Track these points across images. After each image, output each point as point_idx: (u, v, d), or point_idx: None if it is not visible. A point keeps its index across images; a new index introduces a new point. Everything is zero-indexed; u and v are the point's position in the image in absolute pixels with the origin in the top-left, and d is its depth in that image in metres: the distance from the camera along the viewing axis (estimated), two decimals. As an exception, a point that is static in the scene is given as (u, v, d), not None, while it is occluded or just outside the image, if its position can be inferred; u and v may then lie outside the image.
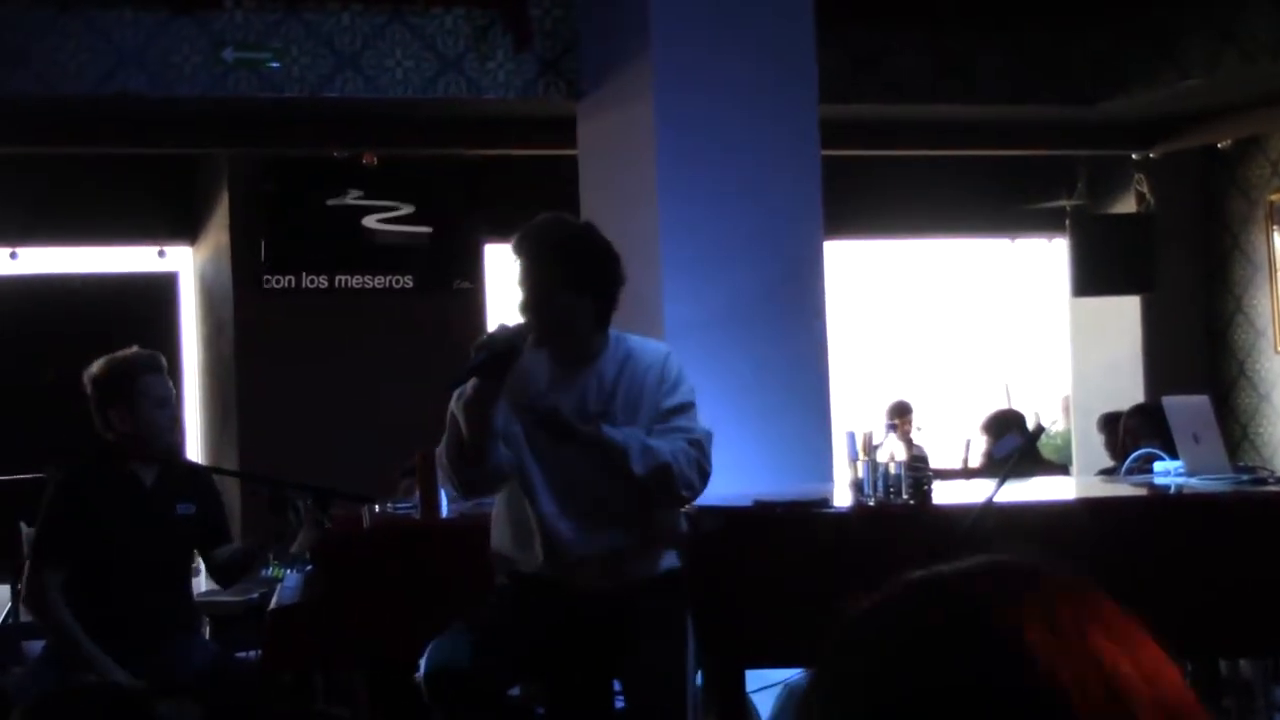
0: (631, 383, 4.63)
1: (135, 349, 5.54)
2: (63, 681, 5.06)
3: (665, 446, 4.52)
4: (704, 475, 4.58)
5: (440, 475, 4.76)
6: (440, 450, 4.55)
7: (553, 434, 4.52)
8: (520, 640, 4.64)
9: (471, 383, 4.39)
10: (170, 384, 5.53)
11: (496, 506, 4.82)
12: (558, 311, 4.56)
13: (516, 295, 4.59)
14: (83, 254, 10.43)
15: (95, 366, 5.47)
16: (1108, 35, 9.34)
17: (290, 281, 10.09)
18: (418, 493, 5.64)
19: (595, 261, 4.62)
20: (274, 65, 7.79)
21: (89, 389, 5.46)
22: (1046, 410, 12.02)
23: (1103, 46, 9.37)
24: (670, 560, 4.74)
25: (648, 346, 4.75)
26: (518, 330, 4.46)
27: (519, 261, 4.59)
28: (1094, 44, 9.37)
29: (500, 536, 4.77)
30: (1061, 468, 10.72)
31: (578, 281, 4.57)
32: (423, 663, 4.52)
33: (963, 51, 9.14)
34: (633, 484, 4.51)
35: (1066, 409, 11.83)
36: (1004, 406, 11.33)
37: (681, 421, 4.60)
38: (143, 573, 5.39)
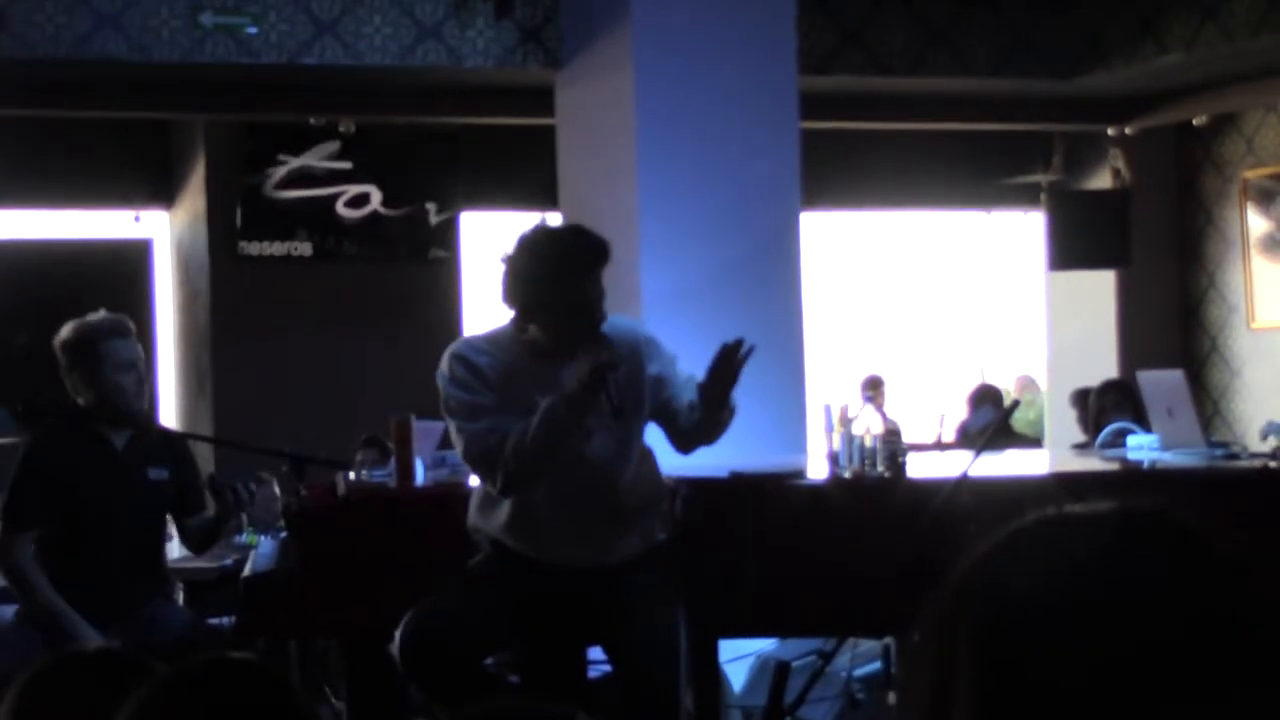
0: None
1: (103, 313, 5.52)
2: (48, 645, 5.06)
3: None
4: None
5: (475, 468, 4.69)
6: (511, 449, 4.48)
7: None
8: (498, 611, 4.64)
9: (578, 391, 4.44)
10: (138, 348, 5.51)
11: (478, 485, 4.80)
12: None
13: (586, 303, 4.56)
14: (58, 218, 10.38)
15: (63, 331, 5.46)
16: (1089, 10, 9.34)
17: (266, 249, 10.06)
18: (393, 460, 5.62)
19: None
20: (252, 31, 7.75)
21: (58, 354, 5.45)
22: (1009, 383, 12.05)
23: (1083, 21, 9.38)
24: (654, 538, 4.75)
25: (618, 326, 4.73)
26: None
27: (599, 270, 4.59)
28: (1075, 18, 9.37)
29: (476, 511, 4.77)
30: (1035, 442, 10.77)
31: None
32: (398, 633, 4.52)
33: (944, 25, 9.14)
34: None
35: (1024, 386, 11.84)
36: (983, 381, 11.38)
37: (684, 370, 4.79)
38: (115, 537, 5.39)
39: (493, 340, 4.66)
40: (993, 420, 8.95)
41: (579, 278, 4.54)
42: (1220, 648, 1.11)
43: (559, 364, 4.55)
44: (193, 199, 10.22)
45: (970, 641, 1.14)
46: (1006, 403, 10.33)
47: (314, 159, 10.08)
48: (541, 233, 4.66)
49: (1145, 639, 1.10)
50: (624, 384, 4.50)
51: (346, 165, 10.13)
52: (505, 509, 4.66)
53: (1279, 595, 1.15)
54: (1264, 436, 6.16)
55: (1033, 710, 1.11)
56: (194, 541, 5.75)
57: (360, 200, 10.20)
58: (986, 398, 10.34)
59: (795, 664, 5.67)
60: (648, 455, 4.77)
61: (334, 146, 9.97)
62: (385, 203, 10.25)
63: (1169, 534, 1.18)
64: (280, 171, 10.03)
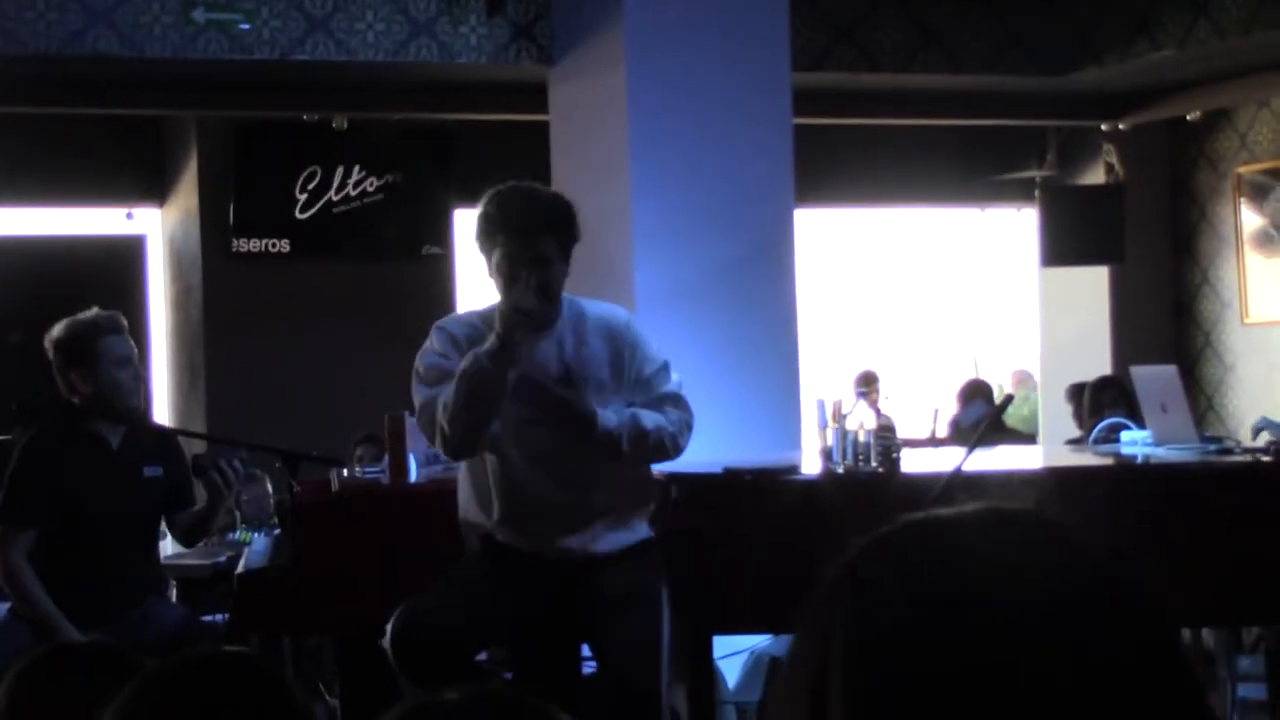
0: (592, 347, 4.64)
1: (95, 310, 5.51)
2: (39, 640, 5.06)
3: (653, 420, 4.61)
4: (690, 429, 4.69)
5: (424, 432, 4.74)
6: (441, 407, 4.53)
7: (555, 419, 4.55)
8: (490, 606, 4.65)
9: (496, 345, 4.42)
10: (132, 344, 5.51)
11: (461, 474, 4.82)
12: (559, 282, 4.59)
13: (513, 264, 4.53)
14: (50, 215, 10.37)
15: (56, 329, 5.45)
16: (1082, 6, 9.34)
17: (259, 245, 10.04)
18: (386, 457, 5.62)
19: (577, 231, 4.65)
20: (244, 27, 7.74)
21: (50, 352, 5.44)
22: (1005, 378, 12.05)
23: (1077, 17, 9.38)
24: (643, 530, 4.76)
25: (603, 310, 4.76)
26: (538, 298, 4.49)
27: (535, 235, 4.54)
28: (1068, 15, 9.37)
29: (466, 504, 4.78)
30: (1029, 437, 10.77)
31: (567, 251, 4.61)
32: (389, 628, 4.52)
33: (937, 22, 9.13)
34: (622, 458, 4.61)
35: (1020, 380, 11.84)
36: (974, 376, 11.37)
37: (665, 387, 4.68)
38: (111, 534, 5.38)
39: (484, 316, 4.67)
40: (986, 414, 8.95)
41: (513, 240, 4.53)
42: (1089, 644, 1.11)
43: (531, 335, 4.59)
44: (185, 195, 10.21)
45: (843, 649, 1.14)
46: (997, 397, 10.32)
47: (307, 155, 10.07)
48: (499, 190, 4.66)
49: (1016, 637, 1.10)
50: (582, 359, 4.55)
51: (340, 162, 10.12)
52: (497, 502, 4.67)
53: (1148, 590, 1.16)
54: (1256, 433, 6.16)
55: (906, 715, 1.11)
56: (183, 534, 5.76)
57: (353, 197, 10.19)
58: (977, 392, 10.33)
59: (789, 660, 5.66)
60: None
61: (326, 142, 9.95)
62: (378, 200, 10.24)
63: (1036, 532, 1.18)
64: (273, 167, 10.02)
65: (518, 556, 4.67)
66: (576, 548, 4.68)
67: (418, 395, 4.64)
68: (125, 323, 5.55)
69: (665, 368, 4.72)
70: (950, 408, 10.76)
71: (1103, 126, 10.80)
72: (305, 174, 10.08)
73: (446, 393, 4.50)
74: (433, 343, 4.68)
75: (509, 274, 4.52)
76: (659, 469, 4.93)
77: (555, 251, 4.56)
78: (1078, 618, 1.12)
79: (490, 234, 4.58)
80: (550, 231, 4.56)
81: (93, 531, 5.36)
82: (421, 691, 4.58)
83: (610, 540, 4.69)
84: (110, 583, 5.37)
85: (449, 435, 4.51)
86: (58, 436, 5.49)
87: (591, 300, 4.82)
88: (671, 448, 4.66)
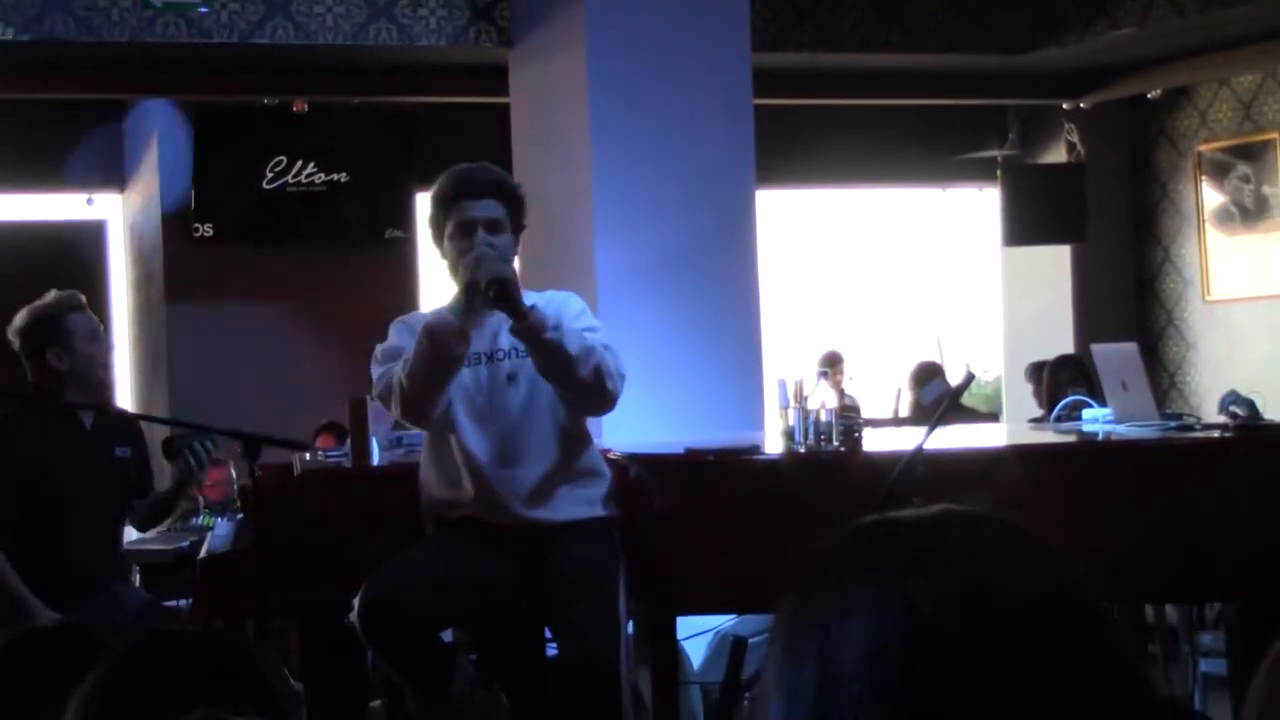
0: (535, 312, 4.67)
1: (53, 293, 5.53)
2: (7, 625, 5.04)
3: (591, 339, 4.64)
4: (623, 379, 4.67)
5: (380, 399, 4.76)
6: (397, 372, 4.58)
7: (498, 302, 4.53)
8: (456, 577, 4.66)
9: (456, 306, 4.50)
10: (96, 319, 5.54)
11: (424, 454, 4.85)
12: (508, 253, 4.66)
13: (466, 232, 4.62)
14: (9, 201, 10.30)
15: (18, 318, 5.46)
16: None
17: (220, 230, 10.00)
18: (349, 440, 5.61)
19: (522, 205, 4.78)
20: (203, 10, 7.71)
21: (18, 340, 5.43)
22: (979, 359, 12.08)
23: (1035, -4, 9.41)
24: (598, 508, 4.77)
25: (552, 292, 4.83)
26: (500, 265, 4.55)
27: (485, 201, 4.65)
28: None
29: (429, 482, 4.80)
30: (991, 416, 10.80)
31: (515, 224, 4.73)
32: (357, 601, 4.53)
33: (896, 1, 9.14)
34: (566, 376, 4.57)
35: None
36: (928, 358, 11.39)
37: (601, 337, 4.71)
38: (83, 517, 5.38)
39: (449, 309, 4.69)
40: (946, 390, 8.96)
41: (465, 203, 4.65)
42: (1047, 638, 1.12)
43: (483, 317, 4.68)
44: (146, 181, 10.16)
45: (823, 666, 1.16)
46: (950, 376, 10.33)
47: (267, 139, 10.02)
48: (447, 171, 4.80)
49: (980, 636, 1.12)
50: None
51: (300, 146, 10.08)
52: (466, 479, 4.68)
53: (1085, 584, 1.18)
54: (1223, 408, 6.18)
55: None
56: (142, 520, 5.76)
57: (314, 181, 10.15)
58: (932, 373, 10.35)
59: (753, 640, 5.68)
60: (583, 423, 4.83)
61: (287, 126, 9.91)
62: (340, 183, 10.20)
63: (992, 531, 1.19)
64: (233, 151, 9.97)
65: (483, 531, 4.69)
66: (540, 518, 4.70)
67: (374, 372, 4.73)
68: (85, 299, 5.58)
69: (597, 329, 4.75)
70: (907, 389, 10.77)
71: (1063, 105, 10.83)
72: (265, 158, 10.03)
73: (408, 352, 4.58)
74: (390, 336, 4.79)
75: (461, 238, 4.62)
76: (621, 450, 4.93)
77: (504, 217, 4.68)
78: (1041, 613, 1.13)
79: (445, 205, 4.69)
80: (496, 195, 4.69)
81: (65, 513, 5.36)
82: (389, 665, 4.61)
83: (570, 510, 4.72)
84: (78, 566, 5.36)
85: (406, 391, 4.56)
86: (28, 418, 5.48)
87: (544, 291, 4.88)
88: (608, 376, 4.59)
